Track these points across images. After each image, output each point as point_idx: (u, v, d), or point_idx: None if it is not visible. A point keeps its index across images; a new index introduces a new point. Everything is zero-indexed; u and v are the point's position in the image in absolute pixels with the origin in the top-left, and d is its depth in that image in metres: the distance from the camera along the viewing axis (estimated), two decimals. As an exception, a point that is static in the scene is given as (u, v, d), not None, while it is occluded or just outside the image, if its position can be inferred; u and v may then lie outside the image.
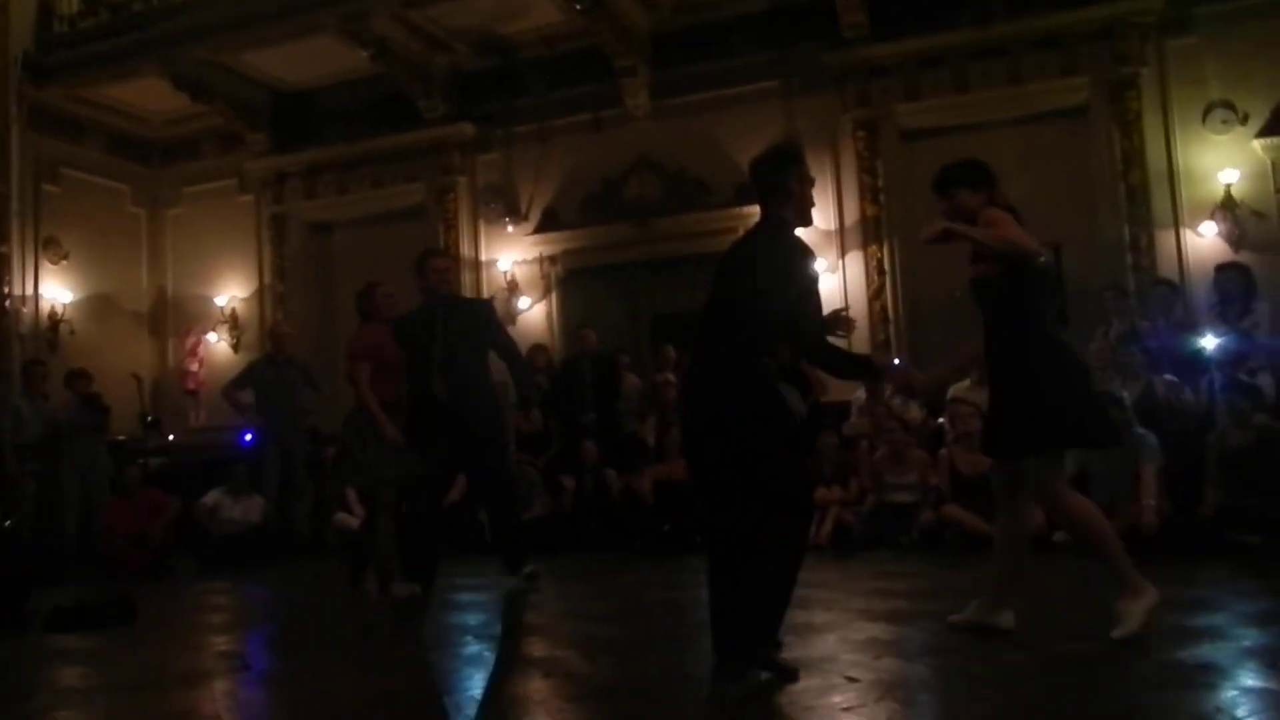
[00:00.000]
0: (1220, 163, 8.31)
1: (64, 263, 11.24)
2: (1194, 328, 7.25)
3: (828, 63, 9.49)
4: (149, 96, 11.35)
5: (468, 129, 10.88)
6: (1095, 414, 3.73)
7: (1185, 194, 8.47)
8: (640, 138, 10.26)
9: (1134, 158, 8.62)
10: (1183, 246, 8.44)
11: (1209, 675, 3.03)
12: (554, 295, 10.58)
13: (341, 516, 8.61)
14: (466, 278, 10.84)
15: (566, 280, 10.57)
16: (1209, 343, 6.84)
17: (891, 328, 9.25)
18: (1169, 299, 7.63)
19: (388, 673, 3.82)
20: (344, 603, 5.81)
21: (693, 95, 10.01)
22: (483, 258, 10.89)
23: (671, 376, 8.43)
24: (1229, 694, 2.80)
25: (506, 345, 6.04)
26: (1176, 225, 8.48)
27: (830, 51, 9.47)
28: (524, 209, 10.71)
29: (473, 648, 4.15)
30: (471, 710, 3.07)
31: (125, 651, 4.53)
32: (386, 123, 11.19)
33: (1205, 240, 8.33)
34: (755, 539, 3.16)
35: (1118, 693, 2.90)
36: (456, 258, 10.80)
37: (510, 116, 10.78)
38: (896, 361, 8.57)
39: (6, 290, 10.57)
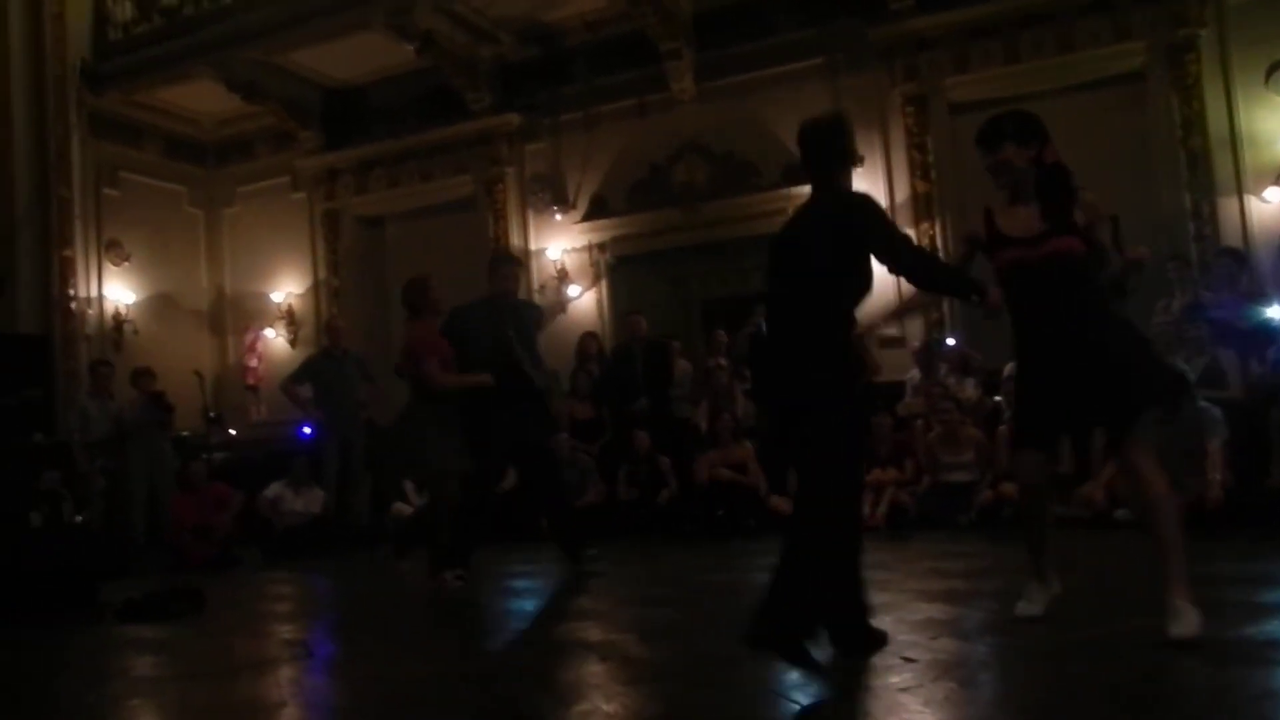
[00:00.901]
0: (1285, 126, 8.05)
1: (126, 264, 11.55)
2: (1260, 298, 7.04)
3: (874, 37, 9.36)
4: (203, 99, 11.59)
5: (514, 119, 10.94)
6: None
7: (1248, 159, 8.22)
8: (686, 121, 10.22)
9: (1194, 123, 8.38)
10: (1246, 214, 8.20)
11: (1276, 652, 2.96)
12: (604, 283, 10.61)
13: (399, 506, 8.74)
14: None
15: (616, 267, 10.60)
16: (1275, 313, 6.64)
17: (945, 304, 9.11)
18: (1233, 269, 7.41)
19: (446, 658, 3.87)
20: (404, 590, 5.90)
21: (737, 76, 9.95)
22: (532, 247, 10.95)
23: (724, 361, 8.41)
24: (1299, 670, 2.73)
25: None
26: (1240, 192, 8.24)
27: (876, 26, 9.34)
28: (572, 197, 10.74)
29: (529, 632, 4.19)
30: (528, 694, 3.10)
31: (194, 640, 4.66)
32: (434, 116, 11.29)
33: (1270, 206, 8.08)
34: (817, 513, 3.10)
35: (1180, 670, 2.85)
36: (507, 249, 10.87)
37: (556, 105, 10.81)
38: (951, 341, 8.50)
39: (72, 293, 10.89)
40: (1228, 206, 8.28)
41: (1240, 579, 4.25)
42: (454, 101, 11.05)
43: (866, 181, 9.49)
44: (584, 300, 10.65)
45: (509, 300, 5.98)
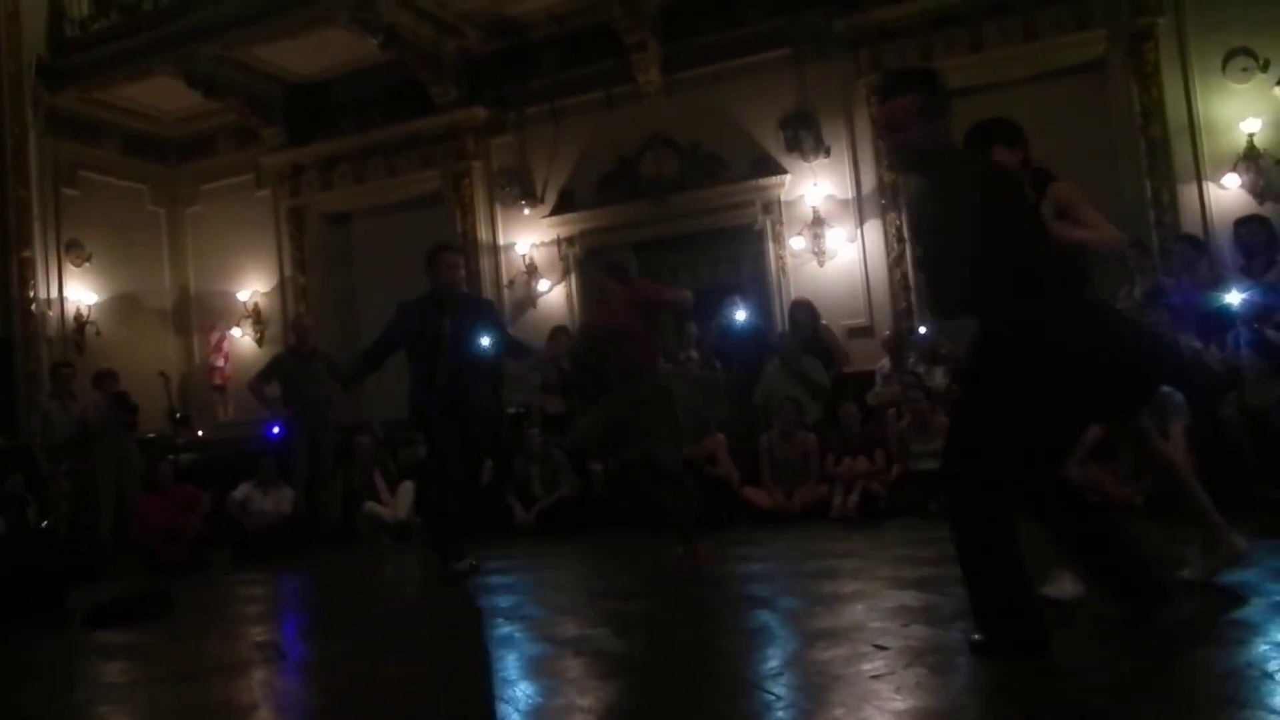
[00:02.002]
0: (1242, 112, 8.17)
1: (87, 265, 11.38)
2: (1219, 283, 7.15)
3: (840, 27, 9.40)
4: (162, 95, 11.43)
5: (480, 113, 10.89)
6: None
7: (1207, 146, 8.35)
8: (653, 114, 10.21)
9: (1153, 111, 8.50)
10: (1206, 200, 8.32)
11: (1239, 631, 3.01)
12: (573, 277, 10.59)
13: (371, 505, 8.69)
14: (484, 263, 10.87)
15: (585, 261, 10.58)
16: (1234, 298, 6.74)
17: (913, 295, 9.19)
18: (1192, 255, 7.51)
19: (421, 656, 3.86)
20: (375, 588, 5.87)
21: (704, 68, 9.95)
22: (500, 242, 10.91)
23: (695, 354, 8.43)
24: (1261, 649, 2.78)
25: (510, 336, 6.17)
26: (1199, 179, 8.36)
27: (841, 16, 9.38)
28: (540, 191, 10.71)
29: (504, 629, 4.18)
30: (504, 690, 3.09)
31: (164, 644, 4.61)
32: (399, 111, 11.21)
33: (1228, 193, 8.21)
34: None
35: (1148, 650, 2.89)
36: (475, 243, 10.84)
37: (522, 98, 10.77)
38: (923, 330, 8.57)
39: (32, 294, 10.71)
40: (1187, 193, 8.40)
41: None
42: (419, 96, 10.97)
43: (833, 172, 9.56)
44: (554, 294, 10.63)
45: (453, 292, 5.86)
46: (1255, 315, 6.57)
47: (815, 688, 2.81)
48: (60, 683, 3.91)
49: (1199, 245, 7.70)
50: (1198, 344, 6.74)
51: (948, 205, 2.97)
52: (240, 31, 10.44)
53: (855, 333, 9.20)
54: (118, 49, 10.94)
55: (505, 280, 10.80)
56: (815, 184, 9.54)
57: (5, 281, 10.64)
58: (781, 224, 9.71)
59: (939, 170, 3.07)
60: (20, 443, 9.25)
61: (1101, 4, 8.68)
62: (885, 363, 8.31)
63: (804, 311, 8.63)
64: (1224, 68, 8.28)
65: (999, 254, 2.90)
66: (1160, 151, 8.46)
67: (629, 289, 5.45)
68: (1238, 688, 2.47)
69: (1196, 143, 8.39)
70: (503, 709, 2.89)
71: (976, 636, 2.95)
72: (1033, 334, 2.86)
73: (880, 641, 3.21)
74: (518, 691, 3.08)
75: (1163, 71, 8.49)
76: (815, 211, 9.47)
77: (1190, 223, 8.28)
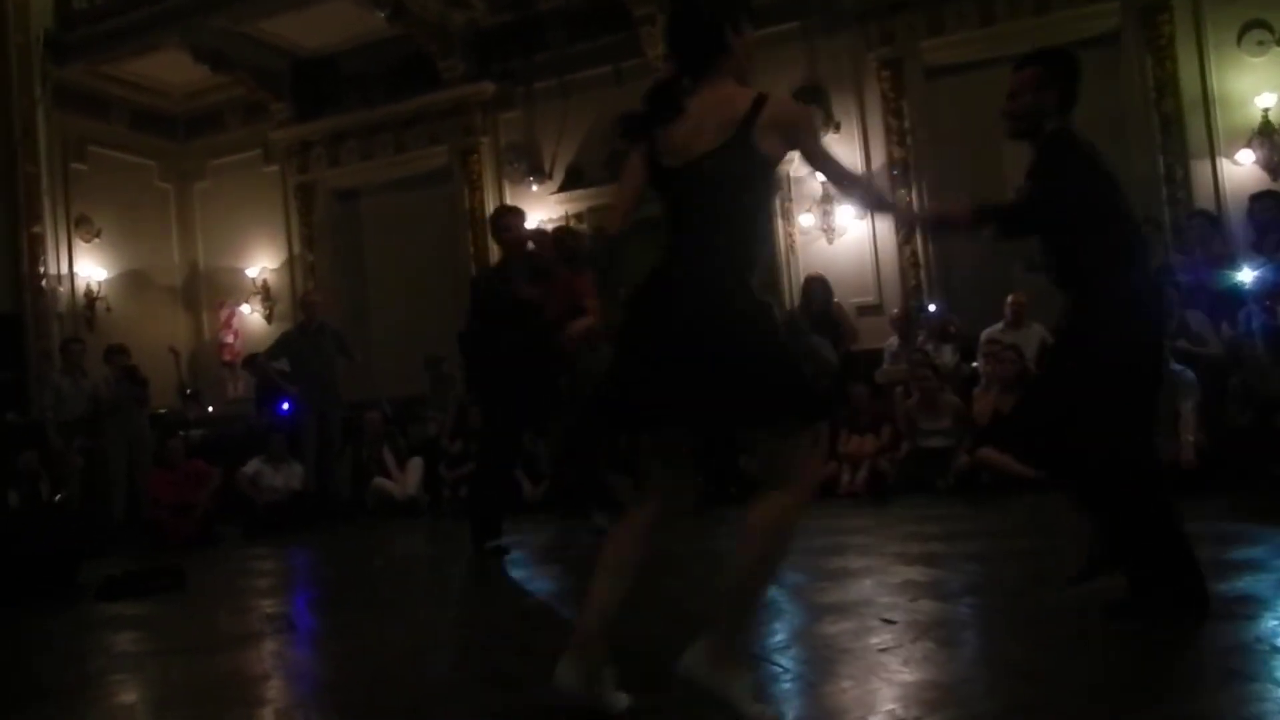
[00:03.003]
0: (1257, 86, 8.07)
1: (96, 240, 11.39)
2: (1231, 260, 7.10)
3: (849, 1, 9.30)
4: (170, 69, 11.39)
5: (488, 88, 10.83)
6: None
7: (1221, 121, 8.25)
8: (661, 89, 10.12)
9: (1167, 85, 8.40)
10: (1219, 176, 8.24)
11: (1248, 607, 3.01)
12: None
13: (380, 481, 8.73)
14: (492, 239, 10.83)
15: (599, 230, 10.55)
16: (1246, 276, 6.70)
17: (923, 273, 9.14)
18: (1206, 231, 7.46)
19: (428, 629, 3.89)
20: (384, 563, 5.90)
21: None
22: (508, 218, 10.86)
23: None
24: (1269, 624, 2.79)
25: None
26: (1213, 154, 8.27)
27: (853, -11, 9.29)
28: (548, 167, 10.66)
29: (509, 603, 4.21)
30: (508, 664, 3.11)
31: (175, 617, 4.65)
32: (407, 85, 11.15)
33: (1243, 169, 8.12)
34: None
35: (1155, 627, 2.89)
36: (482, 220, 10.80)
37: (530, 73, 10.70)
38: (932, 308, 8.54)
39: (42, 270, 10.73)
40: (1200, 169, 8.32)
41: (1211, 537, 4.31)
42: (427, 70, 10.92)
43: (843, 147, 9.48)
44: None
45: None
46: (1267, 293, 6.53)
47: (823, 660, 2.82)
48: (73, 654, 3.95)
49: (1214, 221, 7.64)
50: (1206, 321, 6.70)
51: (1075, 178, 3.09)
52: (246, 4, 10.40)
53: (864, 310, 9.16)
54: (125, 22, 10.90)
55: (513, 256, 10.77)
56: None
57: (15, 257, 10.65)
58: (790, 200, 9.65)
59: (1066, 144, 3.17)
60: (32, 419, 9.29)
61: (1116, -25, 8.57)
62: (894, 340, 8.29)
63: (819, 287, 8.59)
64: (1239, 41, 8.17)
65: (1123, 226, 3.10)
66: (1174, 126, 8.36)
67: (568, 278, 5.40)
68: (1244, 661, 2.47)
69: (1210, 117, 8.30)
70: (505, 681, 2.91)
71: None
72: (1150, 305, 3.12)
73: (888, 616, 3.23)
74: (518, 668, 3.10)
75: (1177, 44, 8.38)
76: (824, 188, 9.42)
77: (1203, 199, 8.20)
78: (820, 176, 3.25)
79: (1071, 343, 3.17)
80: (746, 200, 2.37)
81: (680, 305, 2.29)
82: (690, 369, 2.25)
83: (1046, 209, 3.12)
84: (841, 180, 2.65)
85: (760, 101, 2.36)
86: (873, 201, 3.45)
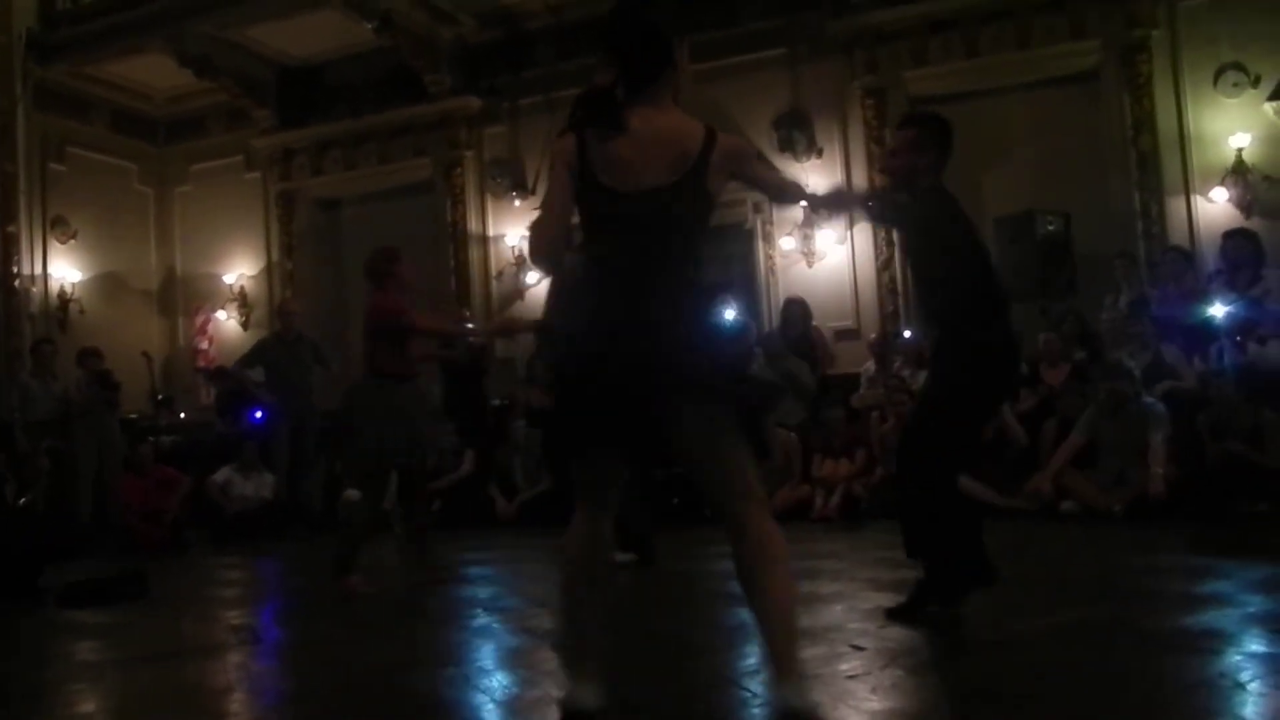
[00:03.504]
0: (1231, 127, 8.22)
1: (72, 242, 11.27)
2: (1204, 295, 7.20)
3: (834, 29, 9.40)
4: (153, 73, 11.33)
5: (474, 103, 10.84)
6: None
7: (1196, 159, 8.39)
8: (646, 109, 10.17)
9: (1145, 123, 8.53)
10: (1193, 213, 8.37)
11: (1213, 641, 3.03)
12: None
13: (351, 493, 8.65)
14: (474, 253, 10.84)
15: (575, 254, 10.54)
16: (1218, 311, 6.79)
17: (900, 300, 9.20)
18: (1180, 266, 7.57)
19: (398, 644, 3.85)
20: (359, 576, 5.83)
21: (699, 65, 9.90)
22: (490, 233, 10.87)
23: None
24: (1233, 659, 2.80)
25: None
26: (1187, 191, 8.41)
27: (837, 18, 9.38)
28: (531, 183, 10.67)
29: (482, 619, 4.18)
30: (479, 680, 3.09)
31: (138, 625, 4.59)
32: (392, 97, 11.14)
33: (1216, 206, 8.25)
34: None
35: (1122, 658, 2.91)
36: (464, 234, 10.82)
37: (517, 89, 10.73)
38: (908, 334, 8.59)
39: (15, 270, 10.61)
40: (1175, 205, 8.45)
41: (1179, 570, 4.36)
42: (413, 83, 10.92)
43: (825, 174, 9.56)
44: (542, 288, 10.59)
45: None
46: (1239, 328, 6.63)
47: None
48: (32, 660, 3.88)
49: (1188, 256, 7.76)
50: (1181, 354, 6.79)
51: (944, 231, 3.52)
52: (233, 10, 10.37)
53: (842, 334, 9.21)
54: (109, 24, 10.84)
55: (494, 272, 10.77)
56: (807, 185, 9.53)
57: (-11, 257, 10.53)
58: (771, 223, 9.70)
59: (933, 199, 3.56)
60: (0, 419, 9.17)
61: (1096, 15, 8.70)
62: (870, 365, 8.33)
63: (797, 309, 8.63)
64: (1215, 82, 8.32)
65: (983, 277, 3.57)
66: (1150, 163, 8.49)
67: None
68: (1209, 697, 2.49)
69: (1186, 155, 8.43)
70: (478, 698, 2.89)
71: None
72: (1006, 346, 3.60)
73: (858, 642, 3.23)
74: (494, 681, 3.08)
75: (1155, 84, 8.53)
76: (805, 212, 9.48)
77: (1177, 235, 8.33)
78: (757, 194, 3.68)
79: (932, 381, 3.75)
80: (695, 233, 2.35)
81: (640, 330, 2.21)
82: (640, 372, 2.18)
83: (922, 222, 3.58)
84: (780, 194, 2.84)
85: (711, 139, 2.32)
86: (814, 202, 3.96)
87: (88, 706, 3.15)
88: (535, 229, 2.43)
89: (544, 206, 2.40)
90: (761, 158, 2.94)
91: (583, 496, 2.37)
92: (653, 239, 2.28)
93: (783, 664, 2.12)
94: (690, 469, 2.34)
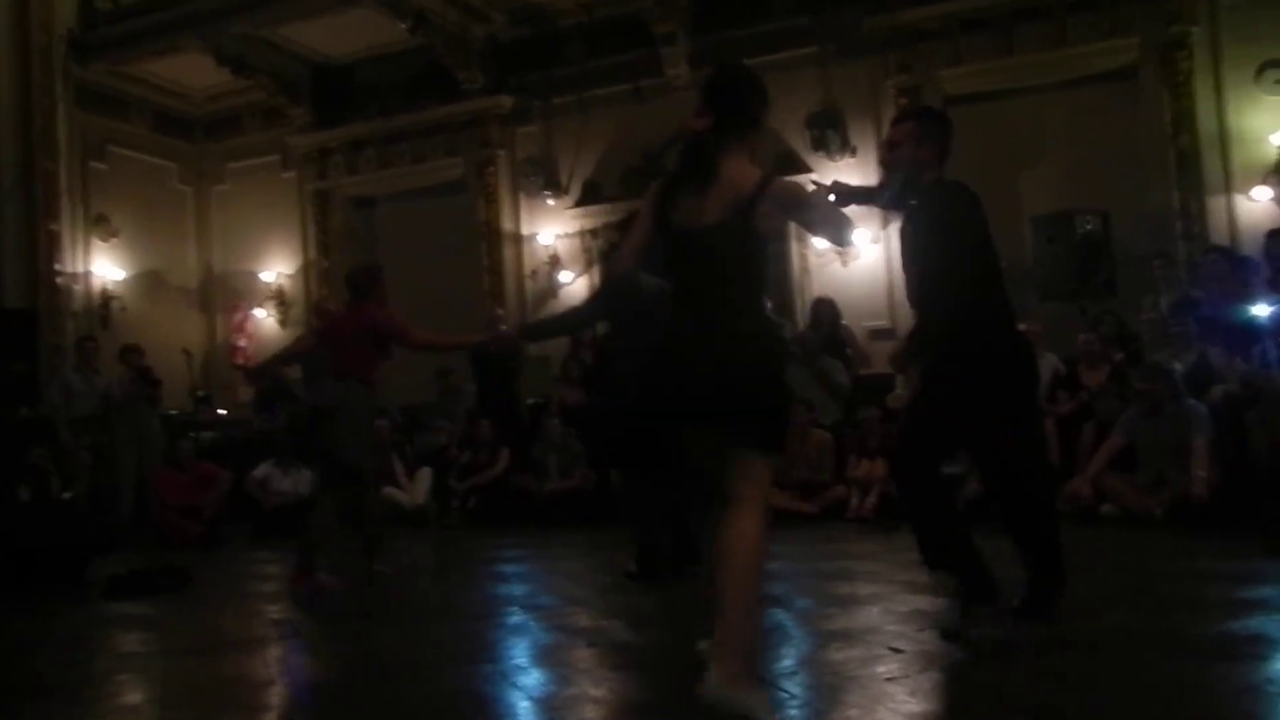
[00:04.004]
0: (1273, 124, 8.10)
1: (114, 240, 11.45)
2: (1247, 296, 7.08)
3: (868, 28, 9.35)
4: (191, 72, 11.48)
5: (506, 101, 10.89)
6: None
7: (1237, 158, 8.27)
8: (680, 107, 10.05)
9: (1184, 121, 8.42)
10: (1234, 212, 8.25)
11: (1259, 647, 2.99)
12: (596, 269, 10.57)
13: (388, 490, 8.72)
14: (507, 252, 10.89)
15: (608, 254, 10.57)
16: (1261, 311, 6.68)
17: (935, 298, 9.13)
18: (1223, 267, 7.44)
19: (434, 640, 3.88)
20: (392, 570, 5.88)
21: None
22: (523, 232, 10.91)
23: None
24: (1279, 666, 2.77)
25: None
26: (1228, 190, 8.29)
27: (870, 16, 9.33)
28: (564, 182, 10.70)
29: (517, 617, 4.20)
30: (515, 677, 3.11)
31: (180, 618, 4.66)
32: (426, 96, 11.22)
33: (1258, 205, 8.13)
34: None
35: (1164, 664, 2.88)
36: (497, 232, 10.87)
37: (549, 87, 10.76)
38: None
39: (58, 268, 10.79)
40: (1216, 205, 8.33)
41: (1223, 576, 4.29)
42: (446, 81, 10.99)
43: (859, 172, 9.50)
44: (576, 286, 10.63)
45: None
46: (1282, 330, 6.51)
47: (829, 688, 2.81)
48: (77, 652, 3.95)
49: (1230, 257, 7.63)
50: (1225, 356, 6.68)
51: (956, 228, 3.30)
52: (269, 9, 10.48)
53: (877, 334, 9.15)
54: (147, 23, 10.99)
55: (527, 270, 10.81)
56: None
57: (32, 254, 10.70)
58: (805, 223, 9.66)
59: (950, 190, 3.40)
60: (43, 414, 9.31)
61: (1135, 12, 8.59)
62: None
63: (826, 309, 8.59)
64: (1257, 79, 8.19)
65: (993, 277, 3.35)
66: (1190, 162, 8.38)
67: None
68: (1256, 703, 2.46)
69: (1227, 154, 8.31)
70: (514, 695, 2.91)
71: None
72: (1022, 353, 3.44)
73: (895, 644, 3.21)
74: (530, 679, 3.09)
75: (1195, 81, 8.41)
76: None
77: (1218, 235, 8.21)
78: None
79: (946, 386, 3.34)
80: (743, 266, 2.64)
81: (702, 343, 2.58)
82: (701, 381, 2.56)
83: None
84: (836, 232, 2.90)
85: (765, 184, 2.59)
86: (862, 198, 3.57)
87: (133, 697, 3.20)
88: (618, 252, 2.96)
89: (626, 235, 2.88)
90: (820, 203, 3.01)
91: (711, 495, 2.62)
92: (707, 271, 2.63)
93: (718, 651, 2.37)
94: (695, 457, 2.71)
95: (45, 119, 10.83)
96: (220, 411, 11.12)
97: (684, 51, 9.98)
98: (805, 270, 9.70)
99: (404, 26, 10.25)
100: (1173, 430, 6.18)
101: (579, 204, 10.63)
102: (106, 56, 11.24)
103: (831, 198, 3.32)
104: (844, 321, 8.77)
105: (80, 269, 11.11)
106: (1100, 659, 3.00)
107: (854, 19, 9.39)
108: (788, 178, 2.83)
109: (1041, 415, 3.64)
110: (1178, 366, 6.48)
